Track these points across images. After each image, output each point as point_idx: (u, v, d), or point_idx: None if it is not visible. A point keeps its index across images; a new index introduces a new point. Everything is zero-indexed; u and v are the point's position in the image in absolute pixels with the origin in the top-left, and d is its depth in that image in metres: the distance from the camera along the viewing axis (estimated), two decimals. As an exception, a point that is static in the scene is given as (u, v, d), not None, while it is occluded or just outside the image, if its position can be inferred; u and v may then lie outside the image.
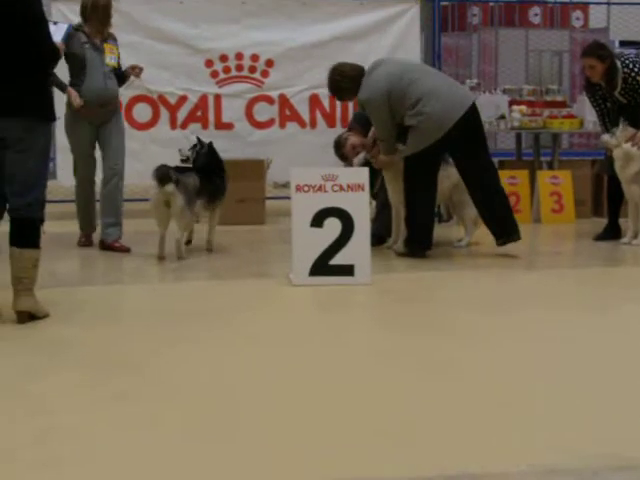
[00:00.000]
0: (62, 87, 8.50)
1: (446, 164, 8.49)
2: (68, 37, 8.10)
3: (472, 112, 7.98)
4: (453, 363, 4.86)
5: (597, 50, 8.99)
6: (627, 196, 8.97)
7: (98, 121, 8.53)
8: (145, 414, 4.03)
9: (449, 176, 8.56)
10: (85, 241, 8.82)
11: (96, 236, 8.77)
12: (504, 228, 8.21)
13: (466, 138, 7.93)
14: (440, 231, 9.24)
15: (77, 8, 10.62)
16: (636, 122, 8.77)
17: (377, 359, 4.98)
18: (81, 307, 6.39)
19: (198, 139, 8.84)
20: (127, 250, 8.45)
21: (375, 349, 5.25)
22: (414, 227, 8.15)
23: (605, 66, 8.87)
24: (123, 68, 8.80)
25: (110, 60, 8.55)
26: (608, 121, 9.11)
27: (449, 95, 7.94)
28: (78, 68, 8.47)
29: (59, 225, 8.76)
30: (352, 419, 3.95)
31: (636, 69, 8.84)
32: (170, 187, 7.85)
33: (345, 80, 8.26)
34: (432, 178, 8.11)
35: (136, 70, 8.81)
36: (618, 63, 8.87)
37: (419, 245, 8.17)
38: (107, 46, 8.56)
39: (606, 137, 9.01)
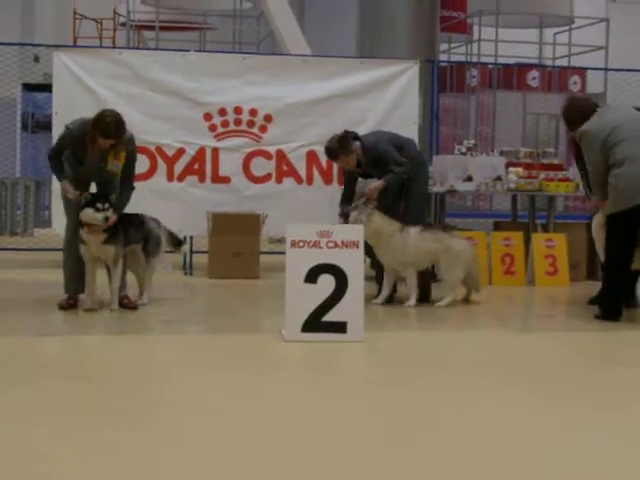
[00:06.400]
0: (60, 176, 8.07)
1: (434, 228, 8.98)
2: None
3: None
4: (438, 423, 4.84)
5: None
6: (601, 257, 8.96)
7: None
8: (135, 463, 4.00)
9: (438, 240, 8.64)
10: (72, 303, 8.17)
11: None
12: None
13: None
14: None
15: (78, 58, 10.86)
16: None
17: (365, 421, 4.95)
18: (74, 357, 6.36)
19: None
20: (134, 307, 8.23)
21: (363, 411, 5.22)
22: (608, 291, 8.23)
23: None
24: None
25: (112, 166, 7.93)
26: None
27: None
28: (76, 162, 8.04)
29: (54, 273, 8.74)
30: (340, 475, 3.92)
31: None
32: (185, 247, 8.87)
33: (571, 110, 8.45)
34: (629, 245, 8.13)
35: None
36: None
37: (612, 309, 8.20)
38: (114, 152, 7.90)
39: None
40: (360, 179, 10.12)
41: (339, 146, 8.95)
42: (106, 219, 7.73)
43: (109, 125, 7.73)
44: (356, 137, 9.09)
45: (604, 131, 8.03)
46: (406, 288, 8.80)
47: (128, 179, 8.16)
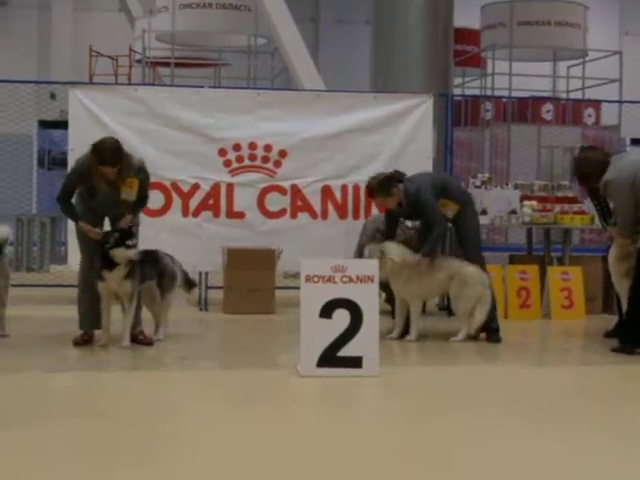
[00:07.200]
0: (75, 217, 8.18)
1: (445, 256, 9.08)
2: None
3: None
4: (453, 459, 4.81)
5: None
6: (618, 290, 8.92)
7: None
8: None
9: (448, 267, 8.63)
10: (86, 339, 8.20)
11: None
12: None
13: None
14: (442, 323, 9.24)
15: (94, 95, 10.95)
16: None
17: (380, 455, 4.93)
18: (89, 393, 6.35)
19: None
20: (150, 343, 8.23)
21: (378, 445, 5.19)
22: (632, 323, 8.25)
23: None
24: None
25: (126, 195, 7.99)
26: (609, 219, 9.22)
27: None
28: (88, 196, 8.13)
29: (70, 310, 8.75)
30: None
31: None
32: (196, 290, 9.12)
33: (589, 165, 8.59)
34: None
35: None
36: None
37: (632, 342, 8.21)
38: (126, 181, 7.94)
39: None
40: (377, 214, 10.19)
41: (378, 187, 8.83)
42: (138, 255, 7.80)
43: (105, 152, 7.78)
44: (401, 179, 8.95)
45: (630, 175, 8.17)
46: (410, 320, 8.76)
47: (142, 200, 8.23)
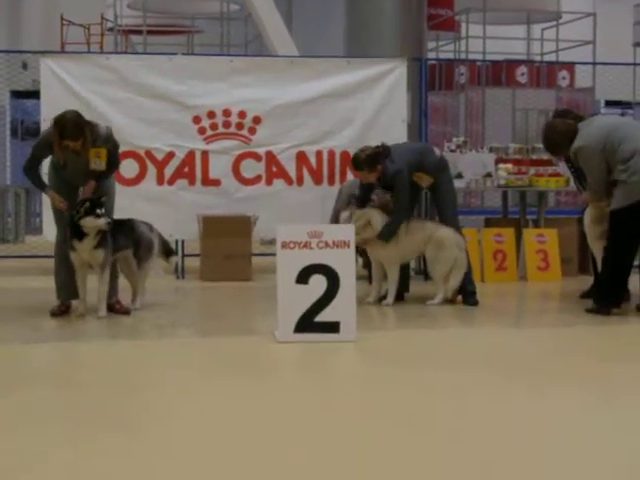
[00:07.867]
0: (42, 187, 8.19)
1: (421, 218, 9.20)
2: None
3: None
4: (431, 421, 4.84)
5: None
6: (593, 251, 8.97)
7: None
8: (128, 467, 3.99)
9: (423, 229, 8.67)
10: (63, 310, 8.19)
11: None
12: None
13: None
14: (419, 287, 9.27)
15: (66, 64, 10.87)
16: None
17: (359, 419, 4.95)
18: (67, 364, 6.34)
19: None
20: (127, 312, 8.21)
21: (356, 409, 5.22)
22: (607, 284, 8.29)
23: None
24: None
25: (95, 165, 7.93)
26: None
27: None
28: (60, 167, 8.09)
29: (46, 280, 8.73)
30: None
31: None
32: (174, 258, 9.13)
33: (555, 134, 8.54)
34: (634, 240, 8.23)
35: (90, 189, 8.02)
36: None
37: (607, 303, 8.26)
38: (93, 150, 7.88)
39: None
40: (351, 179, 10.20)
41: (365, 161, 8.77)
42: (108, 224, 7.75)
43: (65, 126, 7.73)
44: (387, 154, 8.87)
45: (600, 139, 8.16)
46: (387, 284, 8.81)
47: (113, 167, 8.18)
